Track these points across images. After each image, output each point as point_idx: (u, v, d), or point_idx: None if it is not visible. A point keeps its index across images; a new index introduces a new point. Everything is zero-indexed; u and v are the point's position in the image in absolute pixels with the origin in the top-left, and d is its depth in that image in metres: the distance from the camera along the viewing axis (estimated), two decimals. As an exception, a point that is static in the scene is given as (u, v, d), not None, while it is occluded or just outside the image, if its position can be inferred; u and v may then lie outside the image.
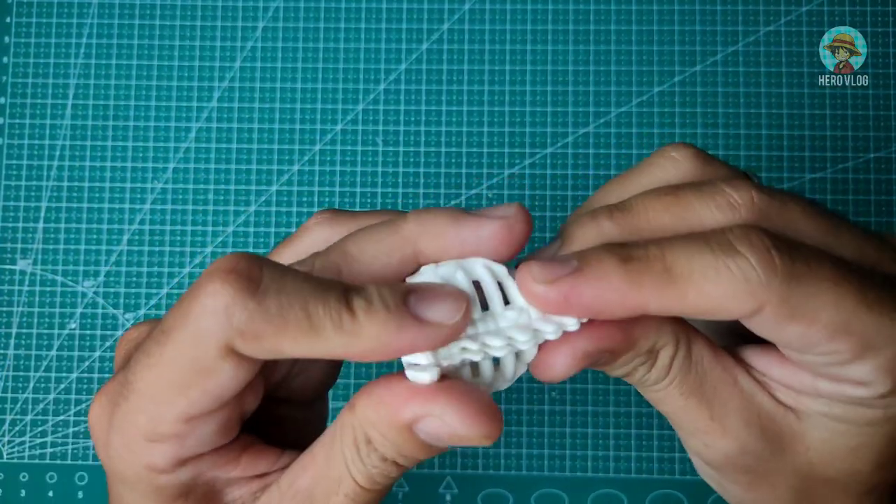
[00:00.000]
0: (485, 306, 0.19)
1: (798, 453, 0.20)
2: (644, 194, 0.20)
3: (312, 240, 0.23)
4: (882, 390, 0.19)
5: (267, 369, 0.21)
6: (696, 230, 0.19)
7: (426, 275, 0.19)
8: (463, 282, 0.19)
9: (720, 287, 0.18)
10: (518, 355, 0.19)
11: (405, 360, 0.18)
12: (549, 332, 0.18)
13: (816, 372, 0.19)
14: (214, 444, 0.19)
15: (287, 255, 0.23)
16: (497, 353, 0.19)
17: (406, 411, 0.18)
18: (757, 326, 0.18)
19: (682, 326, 0.20)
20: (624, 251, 0.18)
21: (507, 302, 0.19)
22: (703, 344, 0.20)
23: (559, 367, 0.19)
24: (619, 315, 0.18)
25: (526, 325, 0.19)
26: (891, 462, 0.20)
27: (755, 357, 0.21)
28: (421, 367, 0.18)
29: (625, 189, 0.22)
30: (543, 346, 0.19)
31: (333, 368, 0.23)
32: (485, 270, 0.19)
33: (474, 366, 0.19)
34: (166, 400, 0.18)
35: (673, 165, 0.21)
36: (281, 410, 0.22)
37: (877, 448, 0.20)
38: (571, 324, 0.19)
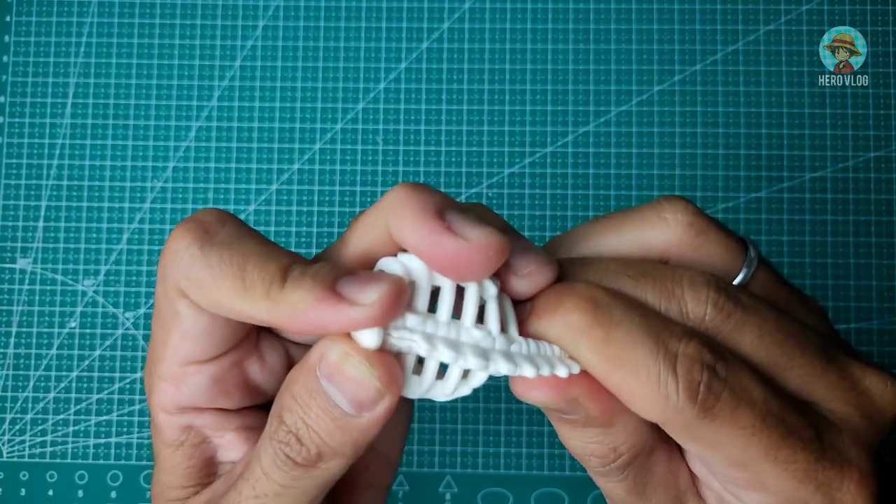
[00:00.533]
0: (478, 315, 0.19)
1: None
2: (606, 265, 0.20)
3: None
4: None
5: (287, 354, 0.21)
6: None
7: (393, 262, 0.19)
8: (423, 278, 0.18)
9: (643, 389, 0.18)
10: (466, 374, 0.19)
11: (353, 334, 0.18)
12: (504, 370, 0.18)
13: (716, 479, 0.20)
14: (211, 400, 0.20)
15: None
16: (444, 360, 0.18)
17: (315, 352, 0.18)
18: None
19: (658, 434, 0.20)
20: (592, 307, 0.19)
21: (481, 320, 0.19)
22: (662, 450, 0.21)
23: (535, 393, 0.19)
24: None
25: (485, 352, 0.18)
26: None
27: (692, 458, 0.21)
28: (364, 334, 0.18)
29: (605, 241, 0.21)
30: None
31: None
32: (474, 283, 0.18)
33: (421, 363, 0.19)
34: (161, 339, 0.20)
35: (661, 229, 0.20)
36: None
37: None
38: (529, 372, 0.18)
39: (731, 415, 0.18)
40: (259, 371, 0.21)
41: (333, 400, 0.18)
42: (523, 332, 0.19)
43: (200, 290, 0.18)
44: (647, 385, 0.18)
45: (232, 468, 0.21)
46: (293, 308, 0.17)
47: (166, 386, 0.20)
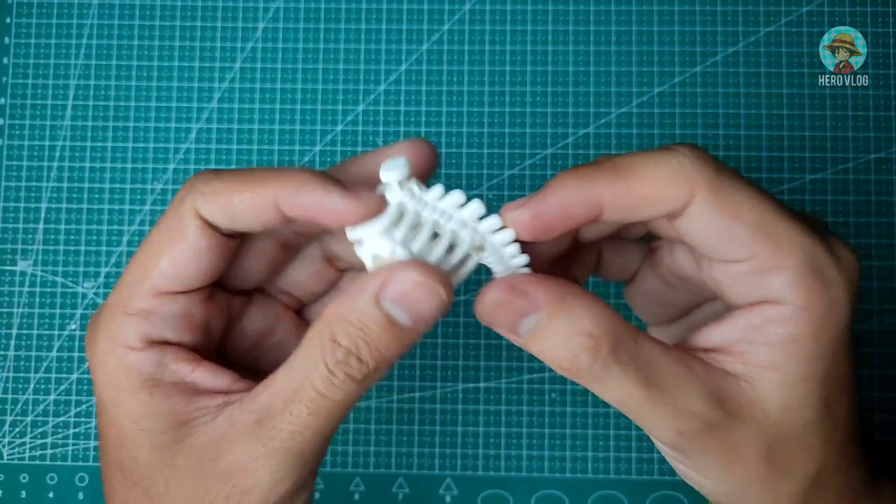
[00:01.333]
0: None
1: (759, 419, 0.22)
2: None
3: None
4: (797, 302, 0.21)
5: (228, 306, 0.25)
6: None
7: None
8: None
9: (660, 171, 0.20)
10: (468, 254, 0.22)
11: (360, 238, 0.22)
12: (493, 241, 0.22)
13: (743, 288, 0.22)
14: (178, 332, 0.22)
15: None
16: (444, 231, 0.22)
17: (374, 281, 0.21)
18: (690, 224, 0.21)
19: (620, 326, 0.21)
20: (576, 166, 0.22)
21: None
22: (649, 342, 0.21)
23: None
24: (582, 215, 0.21)
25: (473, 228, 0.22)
26: (833, 399, 0.22)
27: (700, 336, 0.23)
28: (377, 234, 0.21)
29: None
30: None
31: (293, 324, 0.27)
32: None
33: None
34: (143, 272, 0.22)
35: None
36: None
37: (817, 385, 0.21)
38: (512, 252, 0.22)
39: (736, 179, 0.21)
40: (217, 316, 0.24)
41: (394, 317, 0.20)
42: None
43: (216, 197, 0.21)
44: (662, 166, 0.21)
45: (250, 395, 0.22)
46: (299, 182, 0.21)
47: (134, 319, 0.22)
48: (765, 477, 0.22)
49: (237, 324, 0.26)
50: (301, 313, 0.27)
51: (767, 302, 0.21)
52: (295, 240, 0.25)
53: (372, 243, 0.21)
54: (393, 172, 0.21)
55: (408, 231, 0.21)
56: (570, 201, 0.21)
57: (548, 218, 0.21)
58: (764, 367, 0.21)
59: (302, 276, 0.26)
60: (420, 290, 0.20)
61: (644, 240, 0.26)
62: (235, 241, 0.23)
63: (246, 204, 0.21)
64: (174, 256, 0.22)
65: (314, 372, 0.21)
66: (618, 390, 0.21)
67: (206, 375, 0.22)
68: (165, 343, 0.22)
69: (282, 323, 0.26)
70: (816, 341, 0.21)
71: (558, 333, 0.21)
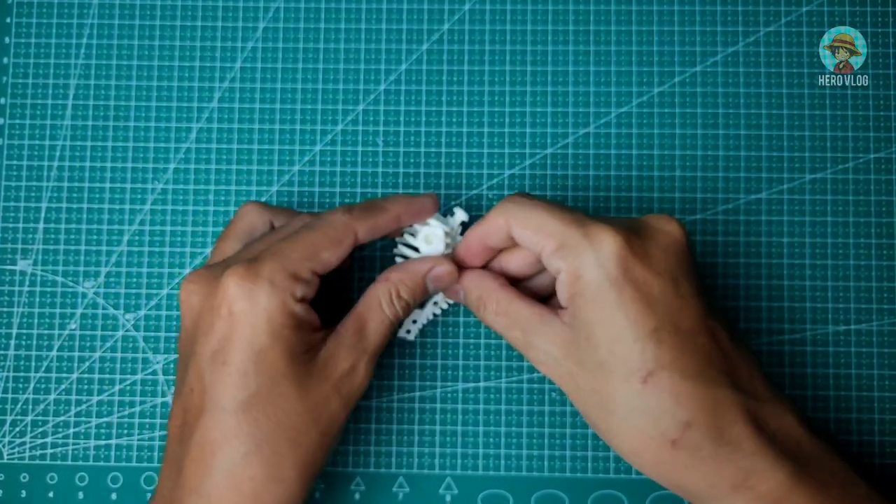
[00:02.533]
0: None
1: (576, 357, 0.31)
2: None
3: (249, 220, 0.35)
4: (562, 268, 0.31)
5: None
6: None
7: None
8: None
9: (494, 214, 0.33)
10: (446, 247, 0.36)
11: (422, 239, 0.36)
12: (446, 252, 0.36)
13: (551, 268, 0.32)
14: (311, 294, 0.32)
15: (230, 237, 0.35)
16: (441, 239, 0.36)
17: (424, 265, 0.35)
18: (517, 237, 0.32)
19: (499, 292, 0.34)
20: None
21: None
22: (520, 302, 0.33)
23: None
24: (477, 246, 0.34)
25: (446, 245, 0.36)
26: (616, 343, 0.30)
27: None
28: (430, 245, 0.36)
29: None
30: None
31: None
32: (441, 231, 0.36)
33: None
34: (309, 255, 0.32)
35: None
36: None
37: (594, 330, 0.30)
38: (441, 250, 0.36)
39: (531, 204, 0.32)
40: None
41: (428, 285, 0.35)
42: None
43: (366, 221, 0.34)
44: (498, 209, 0.33)
45: (344, 327, 0.33)
46: (408, 198, 0.35)
47: (301, 283, 0.32)
48: (597, 404, 0.31)
49: None
50: None
51: (559, 272, 0.31)
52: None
53: (436, 236, 0.35)
54: (462, 212, 0.36)
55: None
56: (467, 242, 0.34)
57: (463, 252, 0.35)
58: (572, 317, 0.31)
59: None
60: (447, 274, 0.35)
61: None
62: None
63: (384, 222, 0.34)
64: (331, 254, 0.33)
65: (388, 309, 0.34)
66: (499, 328, 0.33)
67: (316, 319, 0.33)
68: (305, 300, 0.32)
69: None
70: (581, 296, 0.30)
71: (469, 297, 0.35)
